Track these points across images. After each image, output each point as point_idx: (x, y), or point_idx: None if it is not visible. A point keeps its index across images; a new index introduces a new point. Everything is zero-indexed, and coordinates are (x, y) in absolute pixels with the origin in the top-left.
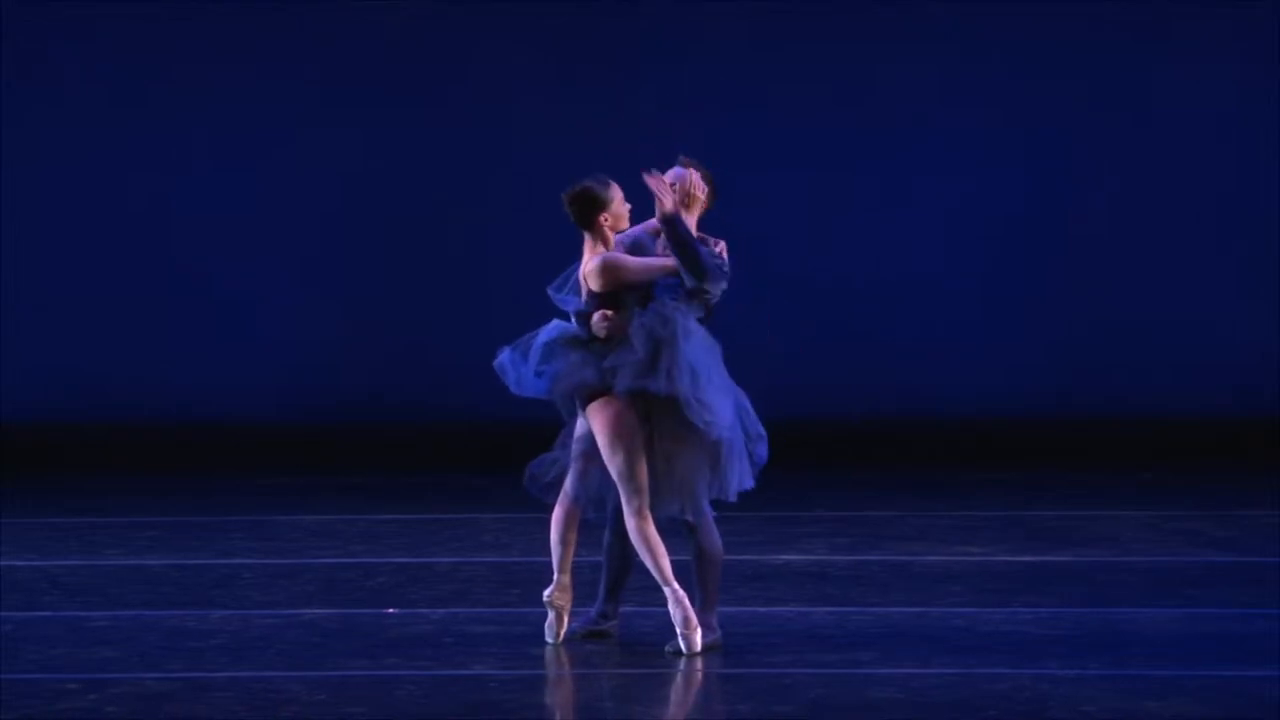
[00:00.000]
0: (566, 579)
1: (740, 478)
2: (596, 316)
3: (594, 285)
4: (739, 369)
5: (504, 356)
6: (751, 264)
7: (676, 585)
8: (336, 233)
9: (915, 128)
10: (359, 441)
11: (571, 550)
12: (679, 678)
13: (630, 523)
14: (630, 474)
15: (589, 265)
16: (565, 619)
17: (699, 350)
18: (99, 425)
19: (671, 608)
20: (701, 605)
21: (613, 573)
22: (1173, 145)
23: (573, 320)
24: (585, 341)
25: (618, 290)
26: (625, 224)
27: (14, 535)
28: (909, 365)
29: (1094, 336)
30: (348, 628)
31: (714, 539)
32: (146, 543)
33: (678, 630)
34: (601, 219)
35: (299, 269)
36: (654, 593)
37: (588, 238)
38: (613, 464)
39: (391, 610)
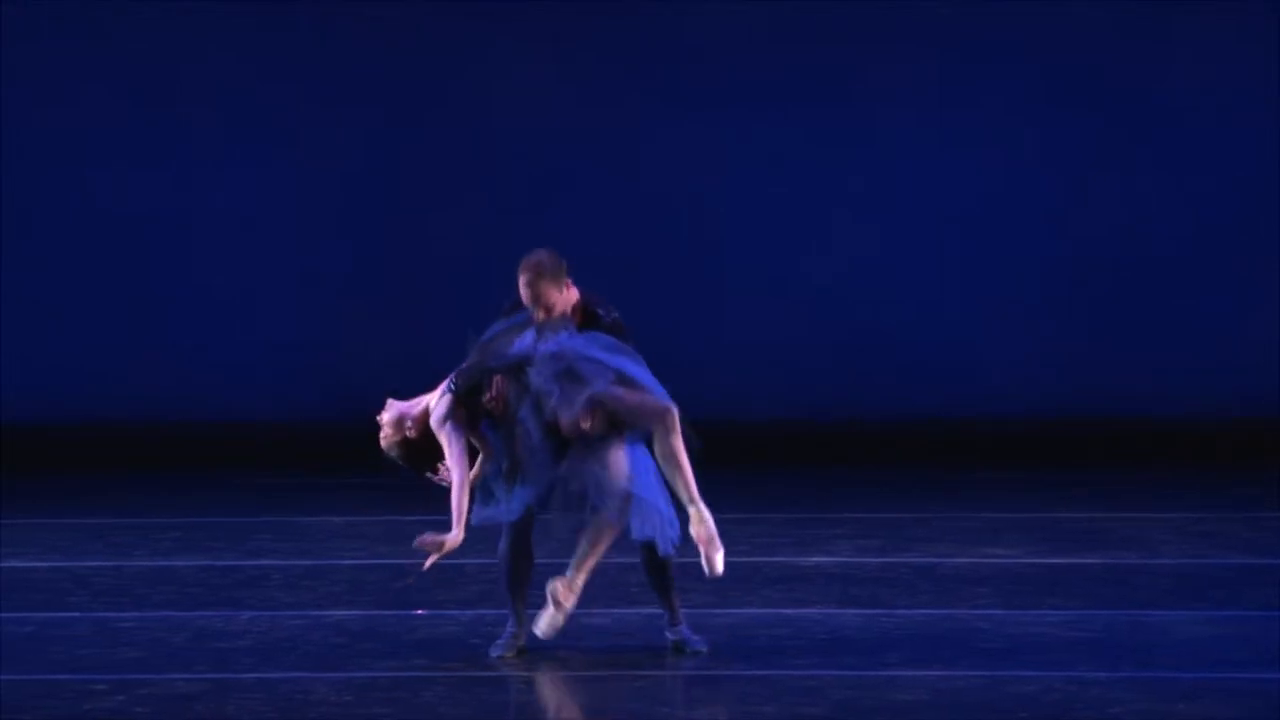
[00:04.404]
0: (580, 580)
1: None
2: (485, 400)
3: (447, 426)
4: (755, 369)
5: (480, 516)
6: (773, 267)
7: (702, 505)
8: (339, 230)
9: (916, 128)
10: None
11: (594, 558)
12: (701, 680)
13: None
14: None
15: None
16: (560, 617)
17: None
18: (110, 425)
19: (694, 527)
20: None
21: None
22: (1173, 145)
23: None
24: (499, 429)
25: (458, 421)
26: (416, 415)
27: (41, 536)
28: (937, 367)
29: (1128, 337)
30: (375, 629)
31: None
32: (173, 543)
33: (702, 551)
34: (409, 432)
35: (303, 268)
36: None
37: None
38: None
39: (421, 611)
